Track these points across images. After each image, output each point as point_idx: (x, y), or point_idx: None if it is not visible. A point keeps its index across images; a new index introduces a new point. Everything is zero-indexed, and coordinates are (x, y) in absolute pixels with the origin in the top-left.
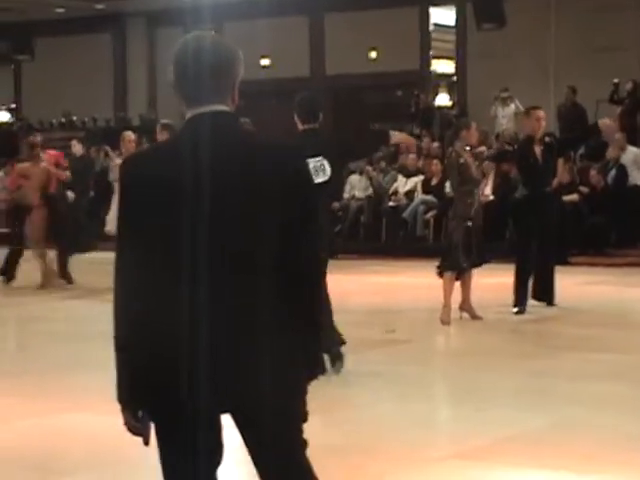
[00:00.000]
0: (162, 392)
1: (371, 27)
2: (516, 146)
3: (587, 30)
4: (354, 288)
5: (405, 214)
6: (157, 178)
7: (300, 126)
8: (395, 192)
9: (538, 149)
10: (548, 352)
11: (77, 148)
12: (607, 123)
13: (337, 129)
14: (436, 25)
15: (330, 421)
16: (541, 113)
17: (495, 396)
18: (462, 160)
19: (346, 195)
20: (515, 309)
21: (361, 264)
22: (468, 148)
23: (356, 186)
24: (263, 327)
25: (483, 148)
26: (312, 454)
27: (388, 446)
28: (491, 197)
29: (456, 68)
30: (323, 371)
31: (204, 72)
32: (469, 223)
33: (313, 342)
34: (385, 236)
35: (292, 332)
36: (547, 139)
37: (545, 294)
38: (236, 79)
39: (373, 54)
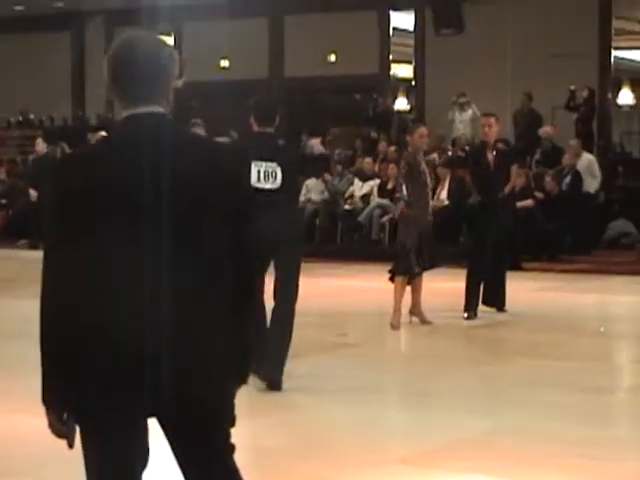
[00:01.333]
0: (89, 394)
1: (331, 30)
2: (468, 152)
3: (544, 36)
4: (308, 291)
5: (361, 218)
6: (93, 179)
7: (255, 128)
8: (351, 196)
9: (490, 155)
10: (497, 357)
11: (41, 146)
12: (547, 131)
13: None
14: (395, 29)
15: (272, 424)
16: (491, 120)
17: (442, 401)
18: (422, 171)
19: (302, 198)
20: (465, 314)
21: (316, 267)
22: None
23: (312, 189)
24: (196, 331)
25: (434, 155)
26: (251, 456)
27: (331, 450)
28: (446, 202)
29: (414, 72)
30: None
31: (139, 72)
32: (420, 228)
33: (244, 346)
34: (340, 239)
35: (224, 336)
36: (500, 145)
37: (495, 300)
38: (171, 79)
39: (332, 57)
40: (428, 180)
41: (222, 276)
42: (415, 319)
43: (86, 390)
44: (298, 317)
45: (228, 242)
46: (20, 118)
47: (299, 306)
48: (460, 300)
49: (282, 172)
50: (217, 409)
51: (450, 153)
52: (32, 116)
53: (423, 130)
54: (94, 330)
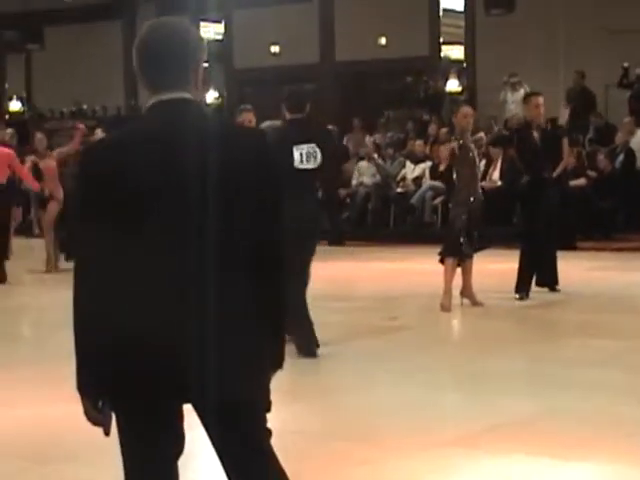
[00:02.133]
0: (125, 381)
1: (381, 13)
2: (514, 131)
3: (596, 13)
4: (361, 274)
5: (413, 200)
6: (122, 167)
7: (287, 116)
8: (403, 178)
9: (537, 135)
10: (548, 338)
11: (99, 137)
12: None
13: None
14: (445, 10)
15: (318, 407)
16: (540, 99)
17: (491, 382)
18: (471, 154)
19: (354, 182)
20: (517, 295)
21: (368, 250)
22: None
23: (364, 173)
24: (232, 317)
25: (481, 134)
26: (295, 440)
27: (377, 433)
28: (499, 182)
29: (465, 53)
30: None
31: (167, 58)
32: (470, 209)
33: (279, 330)
34: (393, 222)
35: (259, 321)
36: (548, 125)
37: (547, 280)
38: (199, 65)
39: (383, 40)
40: (477, 160)
41: (258, 262)
42: (466, 301)
43: (121, 377)
44: (351, 301)
45: (262, 227)
46: (73, 108)
47: (352, 290)
48: (512, 281)
49: (321, 152)
50: (252, 394)
51: (493, 133)
52: (85, 106)
53: (467, 110)
54: (128, 318)
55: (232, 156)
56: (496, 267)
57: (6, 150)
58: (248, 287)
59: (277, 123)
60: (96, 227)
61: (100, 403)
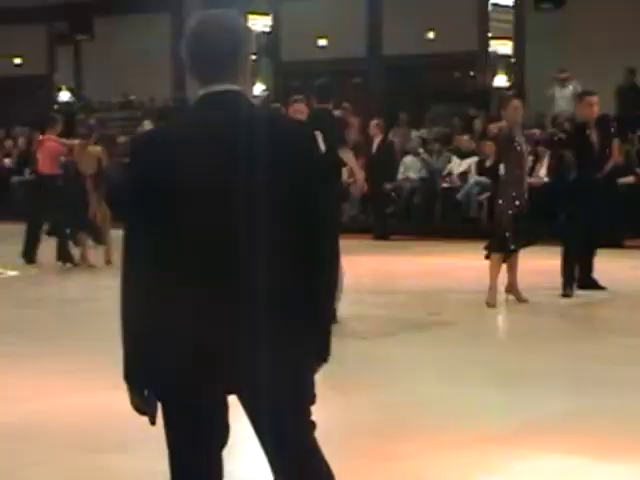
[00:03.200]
0: (170, 372)
1: (429, 7)
2: (570, 131)
3: None
4: (405, 269)
5: (459, 195)
6: (171, 161)
7: (316, 105)
8: (449, 173)
9: (594, 134)
10: (592, 336)
11: (149, 128)
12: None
13: None
14: (494, 5)
15: (358, 402)
16: (594, 99)
17: (529, 379)
18: (519, 148)
19: (400, 176)
20: (562, 292)
21: (414, 245)
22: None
23: (410, 167)
24: (277, 308)
25: (535, 130)
26: (333, 434)
27: (415, 429)
28: (545, 179)
29: (514, 49)
30: None
31: (216, 50)
32: (517, 205)
33: (324, 324)
34: (439, 217)
35: (304, 314)
36: (601, 121)
37: (589, 281)
38: (247, 58)
39: (430, 34)
40: (525, 155)
41: (305, 256)
42: (511, 297)
43: (166, 367)
44: (395, 295)
45: (310, 221)
46: (122, 99)
47: (396, 285)
48: (559, 278)
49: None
50: (296, 387)
51: (551, 133)
52: (133, 97)
53: (516, 103)
54: (175, 309)
55: (277, 151)
56: (543, 263)
57: (52, 144)
58: (295, 282)
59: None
60: (144, 219)
61: (146, 392)
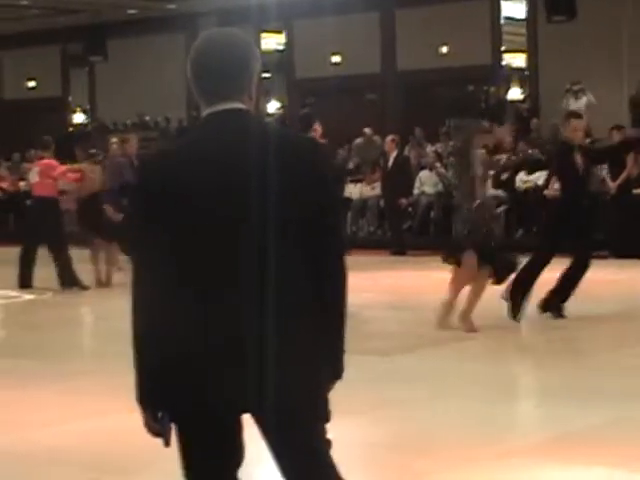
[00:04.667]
0: (183, 392)
1: (442, 22)
2: (553, 152)
3: None
4: (423, 284)
5: None
6: (179, 182)
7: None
8: None
9: (578, 157)
10: (612, 348)
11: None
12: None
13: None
14: (507, 18)
15: (377, 418)
16: (579, 124)
17: (554, 392)
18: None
19: (416, 191)
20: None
21: (431, 260)
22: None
23: (426, 182)
24: (289, 327)
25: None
26: (353, 452)
27: (439, 444)
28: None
29: (527, 61)
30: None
31: (221, 69)
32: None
33: (338, 341)
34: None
35: (317, 331)
36: (583, 149)
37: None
38: (253, 76)
39: (444, 49)
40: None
41: (317, 273)
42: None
43: (180, 388)
44: (413, 311)
45: (321, 238)
46: (136, 120)
47: (414, 300)
48: (579, 291)
49: None
50: (311, 405)
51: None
52: (148, 118)
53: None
54: (188, 330)
55: (288, 168)
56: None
57: (46, 162)
58: (307, 300)
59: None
60: (152, 239)
61: (160, 414)
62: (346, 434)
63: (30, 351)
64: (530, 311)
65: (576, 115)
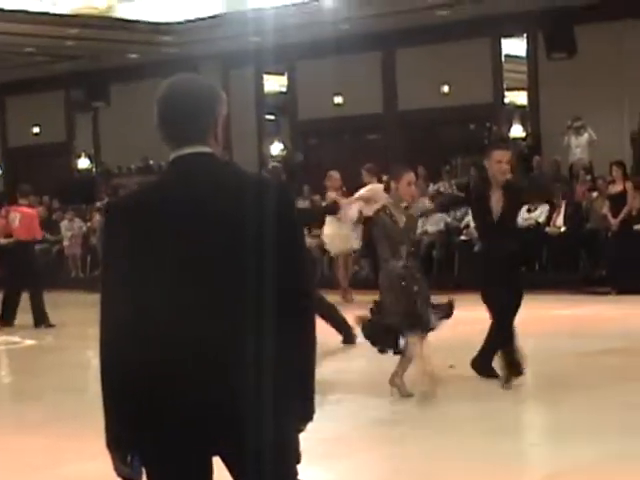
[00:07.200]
0: (152, 435)
1: (443, 61)
2: (471, 191)
3: None
4: None
5: (477, 248)
6: (145, 221)
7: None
8: (467, 226)
9: (496, 197)
10: (611, 383)
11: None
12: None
13: None
14: (508, 56)
15: (377, 457)
16: (502, 156)
17: (552, 428)
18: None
19: (418, 231)
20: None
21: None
22: (403, 205)
23: (428, 221)
24: (258, 366)
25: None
26: None
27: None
28: (563, 228)
29: (528, 99)
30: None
31: (185, 113)
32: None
33: (307, 381)
34: (458, 270)
35: (286, 371)
36: (510, 188)
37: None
38: (218, 119)
39: (445, 88)
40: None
41: (285, 312)
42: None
43: (149, 431)
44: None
45: (287, 277)
46: (140, 164)
47: None
48: (580, 326)
49: None
50: (283, 448)
51: (446, 196)
52: (152, 162)
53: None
54: (154, 373)
55: (250, 209)
56: (565, 313)
57: (28, 210)
58: (276, 338)
59: None
60: (116, 277)
61: (129, 457)
62: (346, 473)
63: (29, 397)
64: (528, 347)
65: (498, 146)
